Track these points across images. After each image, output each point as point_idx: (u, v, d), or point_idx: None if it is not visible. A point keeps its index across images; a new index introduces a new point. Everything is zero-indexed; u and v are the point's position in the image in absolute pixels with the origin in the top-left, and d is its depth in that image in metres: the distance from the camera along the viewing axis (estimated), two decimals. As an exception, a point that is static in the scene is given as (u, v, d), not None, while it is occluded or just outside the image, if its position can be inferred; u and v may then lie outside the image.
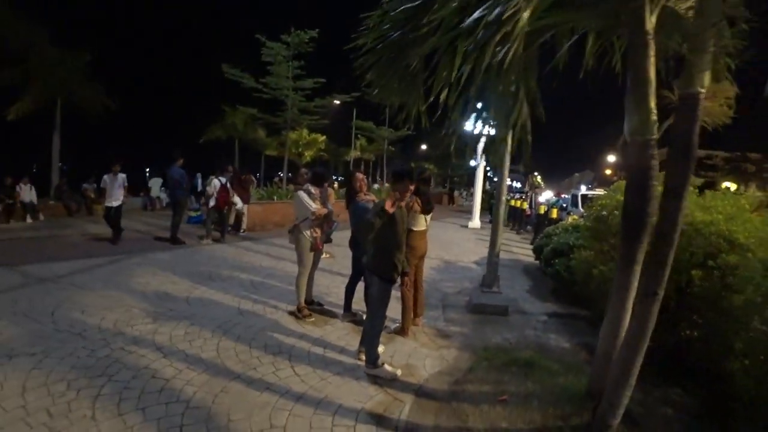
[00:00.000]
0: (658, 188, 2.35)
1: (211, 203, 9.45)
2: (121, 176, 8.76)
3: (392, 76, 2.67)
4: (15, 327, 4.13)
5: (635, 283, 2.50)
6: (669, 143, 2.15)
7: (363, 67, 2.71)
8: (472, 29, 1.74)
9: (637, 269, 2.47)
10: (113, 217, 8.75)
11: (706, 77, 2.04)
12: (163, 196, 17.17)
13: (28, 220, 11.55)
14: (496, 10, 1.67)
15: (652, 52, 2.25)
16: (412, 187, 3.50)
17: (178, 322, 4.48)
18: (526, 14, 1.79)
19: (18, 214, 11.58)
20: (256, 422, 2.83)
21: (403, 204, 3.54)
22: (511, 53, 1.81)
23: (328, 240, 5.07)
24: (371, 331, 3.62)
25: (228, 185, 9.62)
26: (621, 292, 2.60)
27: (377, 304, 3.57)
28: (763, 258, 3.02)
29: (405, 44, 2.37)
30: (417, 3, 2.24)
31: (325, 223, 4.93)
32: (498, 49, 1.78)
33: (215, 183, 9.50)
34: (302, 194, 4.73)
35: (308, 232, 4.73)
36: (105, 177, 8.66)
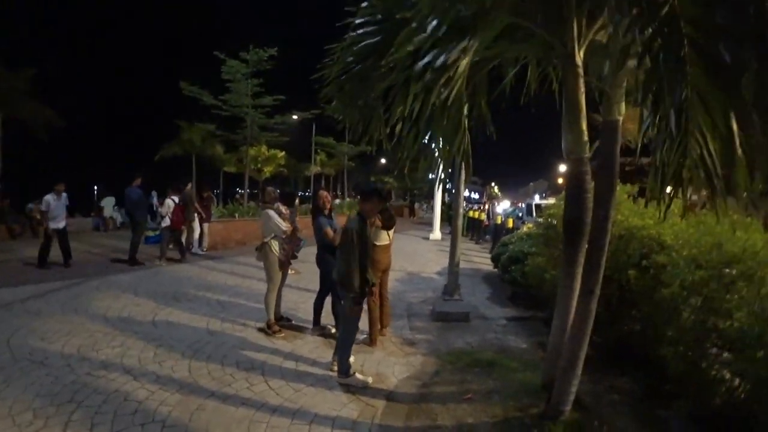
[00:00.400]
0: (591, 199, 2.71)
1: (164, 223, 9.25)
2: (64, 196, 8.25)
3: (354, 104, 2.92)
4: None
5: (577, 284, 2.83)
6: (596, 161, 2.51)
7: (328, 96, 2.95)
8: (422, 73, 2.02)
9: (579, 271, 2.81)
10: (62, 239, 8.35)
11: (623, 106, 2.42)
12: (117, 215, 16.52)
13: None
14: (441, 58, 1.95)
15: (581, 83, 2.62)
16: (383, 203, 3.71)
17: (145, 344, 4.44)
18: (465, 62, 2.09)
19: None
20: (235, 435, 2.92)
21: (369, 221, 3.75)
22: (453, 93, 2.10)
23: (294, 256, 5.21)
24: (344, 342, 3.77)
25: (192, 203, 9.51)
26: (565, 292, 2.93)
27: (351, 317, 3.73)
28: (687, 256, 3.47)
29: (366, 76, 2.64)
30: (377, 39, 2.51)
31: (293, 239, 5.07)
32: (442, 90, 2.06)
33: (168, 203, 9.33)
34: (272, 213, 4.86)
35: (277, 249, 4.85)
36: (48, 198, 7.99)
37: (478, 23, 2.02)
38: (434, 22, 1.94)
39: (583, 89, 2.63)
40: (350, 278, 3.52)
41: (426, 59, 1.97)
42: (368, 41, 2.55)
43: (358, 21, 2.67)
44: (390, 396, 3.53)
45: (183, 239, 9.97)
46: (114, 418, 3.09)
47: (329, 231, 4.73)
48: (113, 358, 4.08)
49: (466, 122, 2.63)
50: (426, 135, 2.63)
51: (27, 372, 3.74)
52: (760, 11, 1.35)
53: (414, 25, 1.95)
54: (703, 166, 1.59)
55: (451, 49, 1.95)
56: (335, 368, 3.87)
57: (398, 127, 2.56)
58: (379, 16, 2.57)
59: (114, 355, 4.17)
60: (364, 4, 2.68)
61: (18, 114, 15.95)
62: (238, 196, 19.34)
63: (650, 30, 1.47)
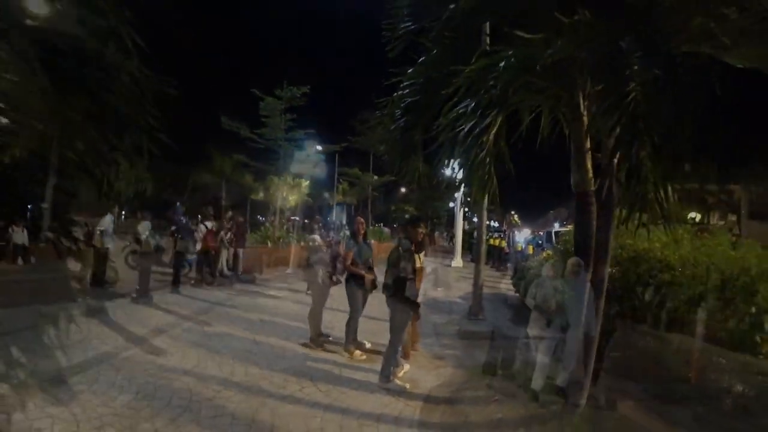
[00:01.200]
0: (595, 225, 3.22)
1: (198, 247, 9.94)
2: None
3: (397, 147, 3.58)
4: (50, 358, 4.50)
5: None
6: (598, 196, 3.06)
7: (379, 139, 3.63)
8: (464, 138, 2.63)
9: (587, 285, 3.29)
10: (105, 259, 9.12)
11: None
12: (152, 240, 17.32)
13: (20, 262, 11.63)
14: (478, 128, 2.57)
15: (585, 128, 3.20)
16: (422, 231, 4.37)
17: (201, 351, 4.99)
18: (493, 130, 2.72)
19: (8, 256, 11.66)
20: (296, 427, 3.41)
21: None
22: (484, 152, 2.72)
23: (338, 281, 5.77)
24: (390, 351, 4.27)
25: (228, 230, 10.22)
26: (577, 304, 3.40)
27: (399, 329, 4.26)
28: (689, 275, 3.91)
29: (409, 126, 3.29)
30: (418, 98, 3.16)
31: (338, 262, 5.64)
32: (478, 150, 2.67)
33: (201, 228, 10.06)
34: (317, 238, 5.49)
35: (321, 271, 5.44)
36: (108, 218, 9.14)
37: (507, 97, 2.65)
38: (472, 104, 2.58)
39: (587, 133, 3.20)
40: (406, 292, 4.07)
41: (467, 128, 2.59)
42: (412, 99, 3.21)
43: (406, 83, 3.34)
44: (426, 399, 4.00)
45: (219, 263, 10.67)
46: (183, 411, 3.57)
47: (349, 255, 5.20)
48: (175, 363, 4.62)
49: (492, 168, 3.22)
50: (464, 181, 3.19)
51: (105, 372, 4.26)
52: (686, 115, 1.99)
53: (455, 99, 2.60)
54: (657, 202, 2.16)
55: (486, 117, 2.56)
56: (398, 373, 4.35)
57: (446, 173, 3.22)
58: (421, 80, 3.24)
59: (175, 360, 4.71)
60: (410, 70, 3.37)
61: (73, 143, 17.03)
62: (267, 224, 20.15)
63: (618, 113, 2.09)
